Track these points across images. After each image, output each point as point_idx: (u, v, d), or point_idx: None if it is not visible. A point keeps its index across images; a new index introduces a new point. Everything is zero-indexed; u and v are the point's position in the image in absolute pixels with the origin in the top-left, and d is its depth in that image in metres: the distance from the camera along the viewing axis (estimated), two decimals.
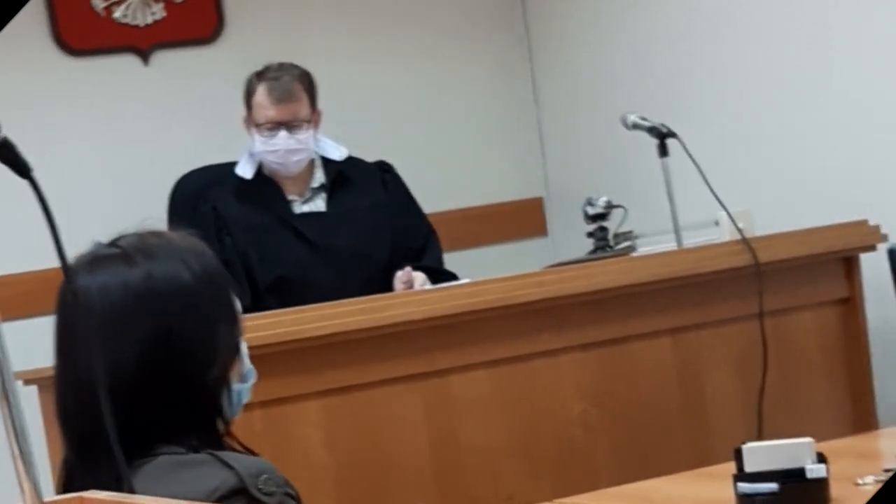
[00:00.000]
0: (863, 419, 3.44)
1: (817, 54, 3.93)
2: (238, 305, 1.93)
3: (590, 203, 3.48)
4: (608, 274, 3.11)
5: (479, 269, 4.00)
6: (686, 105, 4.26)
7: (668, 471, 2.63)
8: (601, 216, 3.47)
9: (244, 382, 1.95)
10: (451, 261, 4.13)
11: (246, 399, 1.97)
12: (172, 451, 1.80)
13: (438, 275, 3.68)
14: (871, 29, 3.78)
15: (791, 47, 4.00)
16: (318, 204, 3.85)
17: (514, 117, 4.90)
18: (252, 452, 1.91)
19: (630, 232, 3.64)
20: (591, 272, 3.11)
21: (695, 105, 4.25)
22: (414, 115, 4.74)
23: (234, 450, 1.88)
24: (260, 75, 3.80)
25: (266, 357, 2.82)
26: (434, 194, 4.44)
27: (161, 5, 4.48)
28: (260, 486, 1.75)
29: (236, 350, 1.91)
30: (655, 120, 3.53)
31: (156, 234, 1.92)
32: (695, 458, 2.96)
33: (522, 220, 4.84)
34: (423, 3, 4.81)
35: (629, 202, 3.76)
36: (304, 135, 3.75)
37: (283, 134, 3.72)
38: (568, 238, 4.50)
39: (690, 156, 3.33)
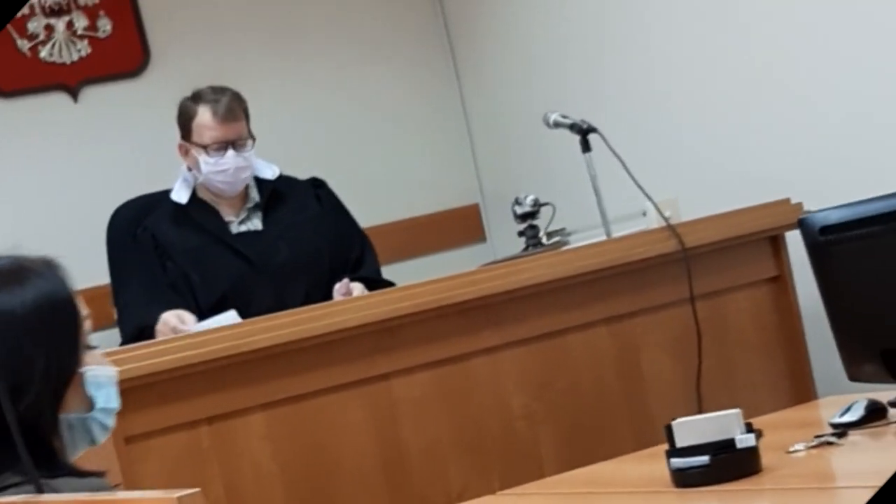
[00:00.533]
0: (801, 392, 3.50)
1: (730, 40, 4.01)
2: (83, 333, 1.95)
3: (518, 203, 3.55)
4: (540, 269, 3.16)
5: (422, 278, 4.06)
6: (607, 99, 4.33)
7: (612, 456, 2.68)
8: (530, 215, 3.53)
9: (89, 411, 1.95)
10: (393, 272, 4.18)
11: (103, 428, 1.97)
12: (9, 483, 1.81)
13: (376, 284, 3.72)
14: (781, 11, 3.86)
15: (703, 33, 4.08)
16: (255, 223, 3.89)
17: (444, 127, 4.96)
18: (97, 474, 1.90)
19: (562, 229, 3.70)
20: (522, 268, 3.16)
21: (615, 98, 4.33)
22: (345, 133, 4.79)
23: (86, 474, 1.88)
24: (196, 99, 3.84)
25: (209, 373, 2.88)
26: (372, 208, 4.50)
27: (86, 42, 4.52)
28: None
29: (64, 379, 1.91)
30: (577, 117, 3.59)
31: (5, 259, 1.95)
32: (638, 441, 3.01)
33: (461, 227, 4.90)
34: (346, 22, 4.86)
35: (560, 199, 3.83)
36: (249, 153, 3.82)
37: (231, 153, 3.78)
38: (507, 240, 4.55)
39: (612, 149, 3.40)
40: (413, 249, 4.72)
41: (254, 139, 3.85)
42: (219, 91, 3.84)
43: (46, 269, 1.96)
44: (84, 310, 1.98)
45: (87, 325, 1.97)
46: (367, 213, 4.30)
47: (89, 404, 1.94)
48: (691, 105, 4.13)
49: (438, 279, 3.10)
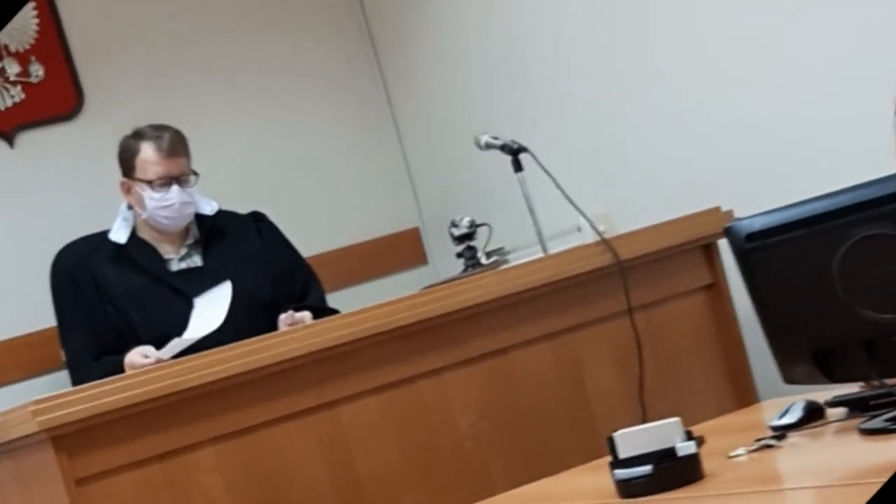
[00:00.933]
0: (743, 396, 3.56)
1: (654, 54, 4.07)
2: None
3: (454, 225, 3.59)
4: (479, 289, 3.21)
5: (366, 304, 4.09)
6: (536, 118, 4.39)
7: (560, 469, 2.70)
8: (467, 236, 3.58)
9: None
10: (337, 299, 4.21)
11: None
12: None
13: (322, 313, 3.75)
14: (705, 22, 3.92)
15: (626, 48, 4.14)
16: (195, 259, 3.90)
17: (380, 154, 5.00)
18: None
19: (501, 248, 3.75)
20: (462, 289, 3.20)
21: (544, 117, 4.38)
22: (282, 166, 4.82)
23: None
24: (137, 136, 3.87)
25: (157, 410, 2.90)
26: (313, 238, 4.53)
27: (19, 88, 4.53)
28: None
29: None
30: (508, 137, 3.65)
31: None
32: (585, 453, 3.03)
33: (402, 251, 4.93)
34: (277, 56, 4.89)
35: (497, 219, 3.87)
36: (193, 188, 3.85)
37: (175, 188, 3.80)
38: (449, 263, 4.58)
39: (543, 167, 3.45)
40: (357, 276, 4.75)
41: (196, 175, 3.87)
42: (160, 128, 3.87)
43: None
44: None
45: None
46: (308, 242, 4.33)
47: None
48: (619, 120, 4.19)
49: (380, 304, 3.14)
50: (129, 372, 3.40)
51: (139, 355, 3.48)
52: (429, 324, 3.15)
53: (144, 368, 3.14)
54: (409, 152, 5.00)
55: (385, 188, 4.98)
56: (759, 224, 2.29)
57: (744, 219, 2.33)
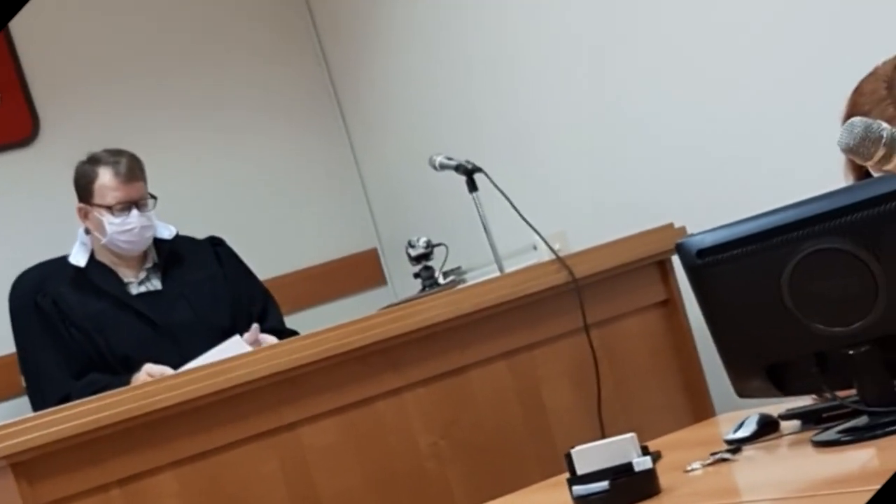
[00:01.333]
0: (700, 411, 3.59)
1: (604, 73, 4.11)
2: None
3: (411, 245, 3.62)
4: (436, 309, 3.23)
5: (326, 325, 4.11)
6: (490, 138, 4.43)
7: (520, 487, 2.72)
8: (424, 256, 3.60)
9: None
10: (298, 321, 4.23)
11: None
12: None
13: (282, 335, 3.77)
14: (652, 41, 3.97)
15: (576, 66, 4.18)
16: (154, 283, 3.92)
17: (337, 176, 5.02)
18: None
19: (458, 267, 3.78)
20: (419, 309, 3.22)
21: (498, 137, 4.42)
22: (241, 189, 4.84)
23: None
24: (93, 162, 3.88)
25: (117, 435, 2.90)
26: (272, 261, 4.55)
27: None
28: None
29: None
30: (462, 157, 3.67)
31: None
32: (544, 471, 3.06)
33: (361, 272, 4.95)
34: (236, 83, 4.91)
35: (454, 239, 3.90)
36: (151, 212, 3.86)
37: (135, 212, 3.82)
38: (407, 283, 4.61)
39: (497, 187, 3.48)
40: (316, 297, 4.77)
41: (154, 198, 3.88)
42: (116, 153, 3.89)
43: None
44: None
45: None
46: (267, 265, 4.36)
47: None
48: (572, 139, 4.23)
49: (337, 326, 3.15)
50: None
51: (147, 374, 3.48)
52: (387, 344, 3.16)
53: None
54: (366, 174, 5.03)
55: (342, 210, 5.00)
56: (709, 240, 2.32)
57: (695, 235, 2.36)
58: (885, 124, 1.66)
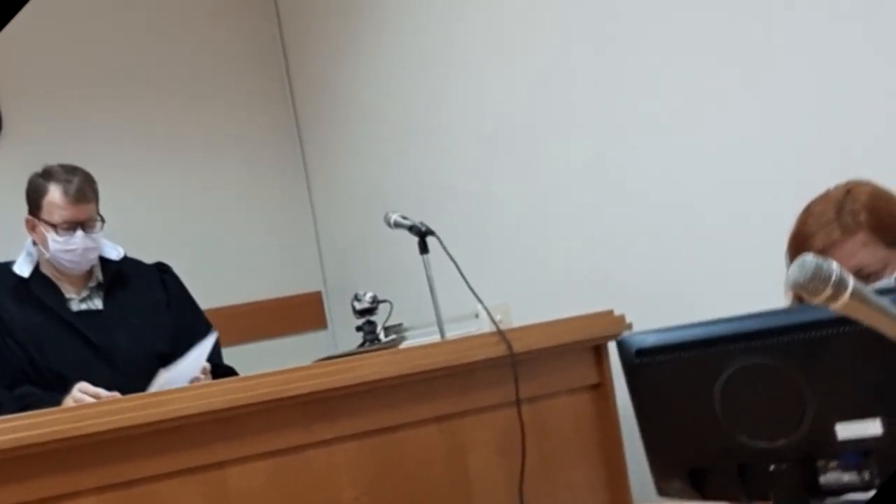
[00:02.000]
0: (618, 496, 3.66)
1: (570, 150, 4.18)
2: None
3: (357, 298, 3.66)
4: (374, 366, 3.27)
5: (262, 362, 4.11)
6: (448, 203, 4.48)
7: None
8: (368, 311, 3.64)
9: None
10: (234, 354, 4.25)
11: None
12: None
13: (218, 369, 3.79)
14: (611, 120, 4.04)
15: (537, 143, 4.25)
16: (96, 302, 3.93)
17: (291, 216, 5.07)
18: None
19: (400, 325, 3.83)
20: (358, 365, 3.26)
21: (456, 203, 4.47)
22: (193, 216, 4.88)
23: None
24: (47, 176, 3.86)
25: (42, 455, 2.90)
26: (216, 290, 4.58)
27: None
28: None
29: None
30: (416, 219, 3.73)
31: None
32: None
33: (303, 313, 4.99)
34: (199, 109, 4.95)
35: (399, 295, 3.95)
36: (98, 234, 3.86)
37: (80, 233, 3.81)
38: (347, 330, 4.64)
39: (448, 253, 3.53)
40: (255, 333, 4.80)
41: (103, 221, 3.89)
42: (70, 171, 3.86)
43: None
44: None
45: None
46: (211, 294, 4.38)
47: None
48: (528, 214, 4.30)
49: (277, 371, 3.18)
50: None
51: (79, 392, 3.46)
52: (323, 395, 3.20)
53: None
54: (320, 218, 5.08)
55: (292, 249, 5.04)
56: (650, 341, 2.38)
57: (636, 334, 2.42)
58: (835, 264, 1.74)
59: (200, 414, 3.06)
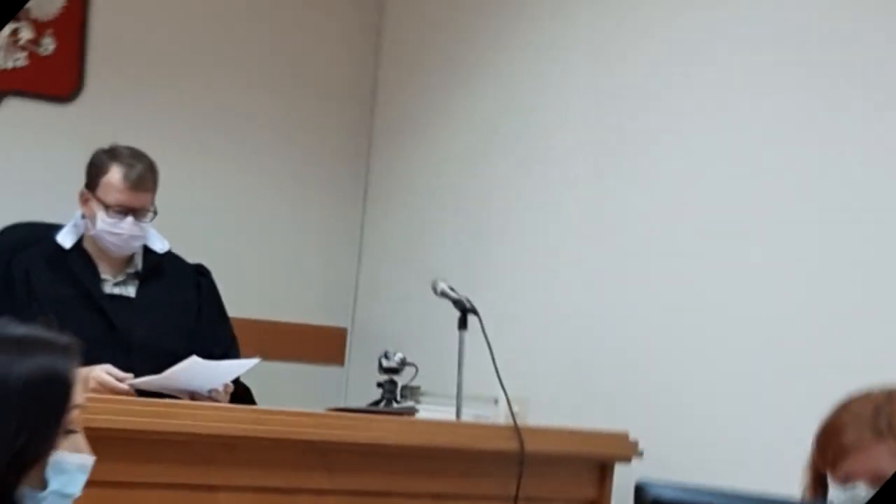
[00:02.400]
0: None
1: (596, 265, 4.21)
2: (68, 418, 2.00)
3: (385, 356, 3.64)
4: (386, 431, 3.26)
5: (271, 383, 4.13)
6: (499, 283, 4.47)
7: None
8: (394, 370, 3.63)
9: (43, 489, 1.98)
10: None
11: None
12: None
13: (237, 386, 3.75)
14: (642, 236, 4.08)
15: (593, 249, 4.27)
16: (129, 290, 3.89)
17: (338, 246, 5.05)
18: None
19: (418, 388, 3.81)
20: (371, 425, 3.26)
21: (505, 285, 4.47)
22: (241, 217, 4.85)
23: None
24: (111, 155, 3.83)
25: None
26: (244, 299, 4.55)
27: (25, 54, 4.54)
28: None
29: (33, 459, 1.96)
30: (462, 292, 3.72)
31: (21, 328, 2.03)
32: None
33: (323, 346, 4.96)
34: (278, 113, 4.95)
35: (424, 358, 3.92)
36: (147, 223, 3.84)
37: (130, 220, 3.78)
38: (362, 373, 4.63)
39: (486, 336, 3.53)
40: (271, 352, 4.76)
41: (156, 212, 3.87)
42: (136, 156, 3.84)
43: (57, 347, 2.02)
44: (79, 398, 2.02)
45: (76, 412, 2.02)
46: (236, 302, 4.35)
47: (44, 484, 1.98)
48: (559, 314, 4.30)
49: (292, 412, 3.18)
50: (92, 385, 3.36)
51: (106, 374, 3.43)
52: (330, 446, 3.19)
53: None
54: (365, 256, 5.06)
55: (330, 280, 5.03)
56: (668, 494, 2.38)
57: (657, 483, 2.41)
58: None
59: (208, 435, 3.06)
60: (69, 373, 2.02)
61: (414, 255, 4.81)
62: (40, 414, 1.97)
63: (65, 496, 2.01)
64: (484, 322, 3.59)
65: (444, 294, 3.68)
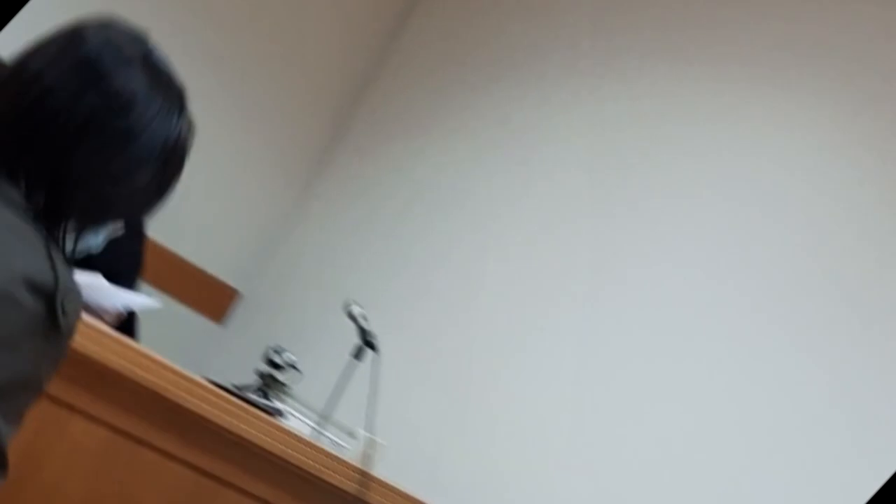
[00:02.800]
0: None
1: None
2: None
3: (276, 351, 3.62)
4: (247, 423, 3.22)
5: (150, 315, 4.10)
6: (405, 321, 4.47)
7: None
8: (277, 367, 3.60)
9: (97, 234, 1.94)
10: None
11: (90, 245, 1.95)
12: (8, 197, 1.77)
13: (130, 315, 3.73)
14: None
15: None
16: None
17: (272, 214, 5.04)
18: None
19: (290, 388, 3.78)
20: (237, 411, 3.21)
21: (412, 326, 4.44)
22: (199, 151, 4.81)
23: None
24: None
25: None
26: (163, 224, 4.49)
27: None
28: (64, 302, 1.73)
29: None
30: (376, 323, 3.71)
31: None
32: None
33: (212, 297, 4.93)
34: (260, 75, 4.94)
35: (306, 361, 3.90)
36: None
37: None
38: (236, 342, 4.58)
39: (374, 378, 3.52)
40: (162, 283, 4.74)
41: None
42: None
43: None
44: None
45: None
46: (155, 224, 4.28)
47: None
48: (463, 384, 4.32)
49: (172, 368, 3.13)
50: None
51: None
52: (193, 416, 3.16)
53: None
54: (292, 240, 5.04)
55: (247, 241, 5.00)
56: None
57: None
58: None
59: (84, 355, 3.00)
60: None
61: (339, 261, 4.80)
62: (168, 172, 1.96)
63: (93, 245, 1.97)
64: (385, 363, 3.59)
65: (352, 317, 3.67)
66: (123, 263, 3.87)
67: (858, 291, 3.66)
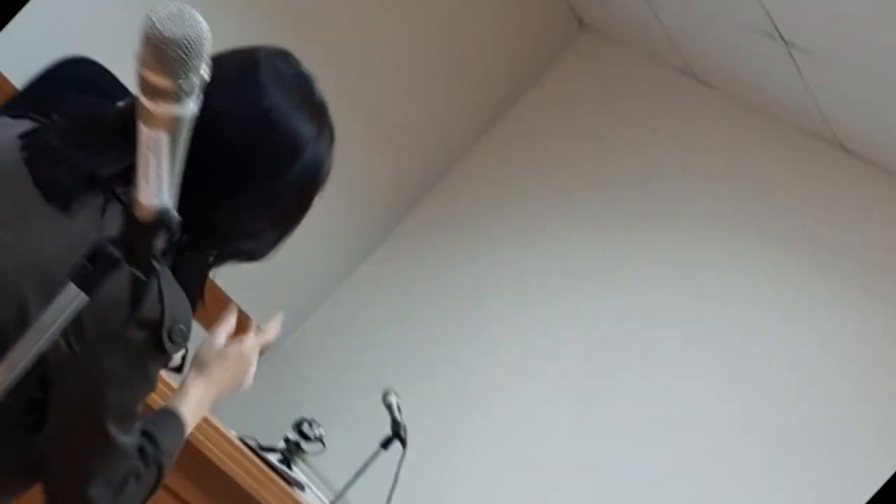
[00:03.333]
0: None
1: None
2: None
3: (308, 424, 3.61)
4: (268, 488, 3.23)
5: None
6: (440, 415, 4.43)
7: None
8: (306, 439, 3.60)
9: None
10: None
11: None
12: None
13: None
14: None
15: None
16: None
17: (329, 267, 4.97)
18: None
19: (310, 457, 3.76)
20: (262, 476, 3.22)
21: (445, 420, 4.42)
22: None
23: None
24: None
25: None
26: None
27: None
28: (172, 334, 1.74)
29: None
30: (411, 416, 3.67)
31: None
32: None
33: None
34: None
35: (331, 427, 3.87)
36: None
37: None
38: (267, 387, 4.53)
39: (397, 474, 3.51)
40: (202, 317, 4.64)
41: None
42: None
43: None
44: None
45: None
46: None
47: None
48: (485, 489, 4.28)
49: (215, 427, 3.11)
50: None
51: None
52: (214, 471, 3.17)
53: None
54: (344, 296, 5.04)
55: (300, 299, 4.96)
56: None
57: None
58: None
59: None
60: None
61: (379, 340, 4.74)
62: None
63: None
64: (407, 454, 3.57)
65: (388, 406, 3.63)
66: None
67: None
